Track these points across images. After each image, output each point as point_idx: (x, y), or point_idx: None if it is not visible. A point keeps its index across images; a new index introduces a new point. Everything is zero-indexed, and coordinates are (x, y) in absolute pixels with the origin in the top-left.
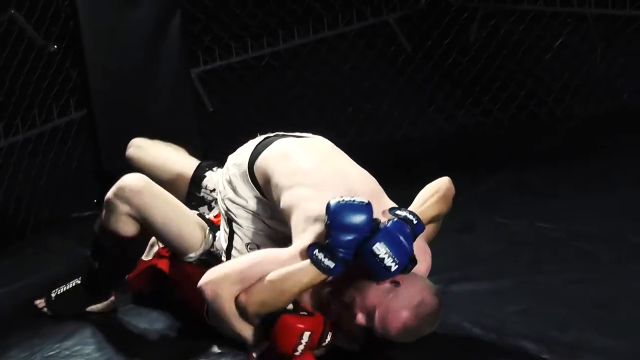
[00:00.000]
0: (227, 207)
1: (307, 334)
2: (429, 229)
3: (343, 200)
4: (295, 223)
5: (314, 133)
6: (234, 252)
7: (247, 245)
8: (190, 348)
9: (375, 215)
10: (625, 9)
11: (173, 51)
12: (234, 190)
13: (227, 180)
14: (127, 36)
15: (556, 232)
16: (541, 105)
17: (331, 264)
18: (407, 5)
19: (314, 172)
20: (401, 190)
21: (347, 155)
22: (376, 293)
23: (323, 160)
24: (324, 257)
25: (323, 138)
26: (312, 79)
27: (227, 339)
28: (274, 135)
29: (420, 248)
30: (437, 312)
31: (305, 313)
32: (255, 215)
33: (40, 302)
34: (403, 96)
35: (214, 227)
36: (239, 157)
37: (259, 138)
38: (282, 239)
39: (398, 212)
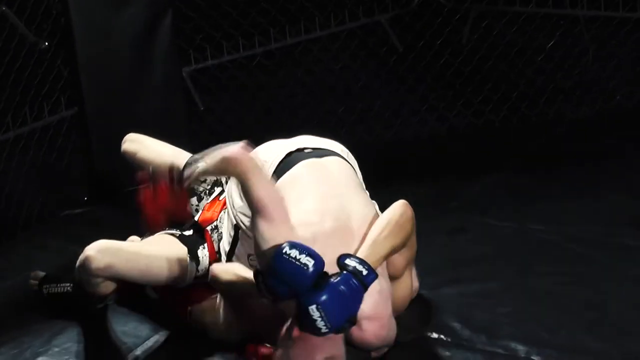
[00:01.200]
0: (237, 217)
1: None
2: (396, 271)
3: (287, 254)
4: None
5: (307, 132)
6: (234, 259)
7: (248, 256)
8: (178, 346)
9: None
10: (617, 11)
11: (164, 49)
12: None
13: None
14: (118, 34)
15: (547, 234)
16: (533, 106)
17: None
18: (399, 5)
19: (316, 204)
20: (392, 190)
21: (354, 181)
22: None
23: (329, 193)
24: (264, 287)
25: (339, 159)
26: (303, 78)
27: (212, 340)
28: (295, 151)
29: (377, 314)
30: None
31: None
32: None
33: (33, 283)
34: (394, 96)
35: (195, 245)
36: None
37: (281, 154)
38: None
39: (348, 261)
